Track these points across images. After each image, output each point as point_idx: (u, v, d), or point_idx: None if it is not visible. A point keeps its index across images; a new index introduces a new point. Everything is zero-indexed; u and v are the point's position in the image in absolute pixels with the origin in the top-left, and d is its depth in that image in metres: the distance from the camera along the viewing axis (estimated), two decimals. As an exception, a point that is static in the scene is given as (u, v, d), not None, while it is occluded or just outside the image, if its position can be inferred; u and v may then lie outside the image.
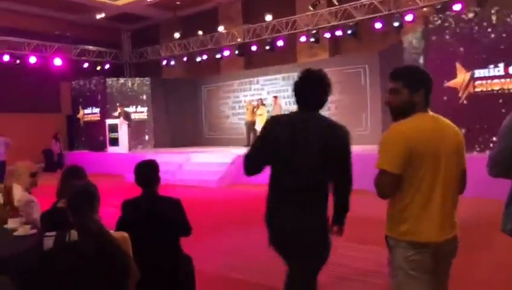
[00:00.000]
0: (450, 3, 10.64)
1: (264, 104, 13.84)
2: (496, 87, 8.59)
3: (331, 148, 2.30)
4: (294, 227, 2.33)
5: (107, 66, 17.81)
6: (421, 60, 9.52)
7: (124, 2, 15.96)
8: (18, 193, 3.49)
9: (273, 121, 2.46)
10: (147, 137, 16.19)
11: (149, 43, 18.32)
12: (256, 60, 16.19)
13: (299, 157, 2.31)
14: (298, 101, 2.44)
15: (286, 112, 2.68)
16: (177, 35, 16.53)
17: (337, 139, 2.33)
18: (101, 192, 2.23)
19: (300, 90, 2.41)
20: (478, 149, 8.64)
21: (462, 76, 8.94)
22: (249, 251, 5.28)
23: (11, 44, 15.04)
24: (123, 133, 14.23)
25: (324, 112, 2.48)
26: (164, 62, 17.51)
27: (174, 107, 16.62)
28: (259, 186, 11.57)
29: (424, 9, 11.64)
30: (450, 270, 2.15)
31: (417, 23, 11.40)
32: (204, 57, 16.04)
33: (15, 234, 3.03)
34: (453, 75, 8.99)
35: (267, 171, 2.49)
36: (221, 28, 15.65)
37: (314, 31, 13.35)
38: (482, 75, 8.71)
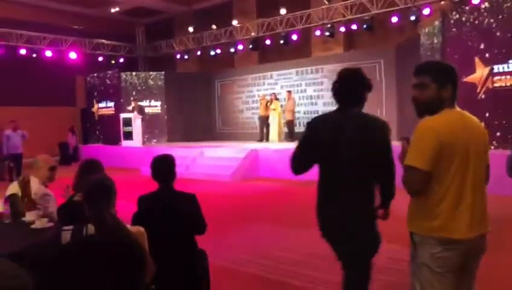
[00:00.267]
0: (468, -4, 10.42)
1: (277, 99, 13.79)
2: (516, 83, 8.39)
3: (372, 142, 2.39)
4: (343, 219, 2.45)
5: (121, 60, 17.92)
6: (438, 55, 9.36)
7: (138, -5, 16.01)
8: (35, 185, 3.51)
9: (315, 121, 2.56)
10: (160, 131, 16.26)
11: (163, 37, 18.35)
12: (270, 55, 16.12)
13: (341, 154, 2.41)
14: (337, 100, 2.54)
15: (327, 111, 2.74)
16: (191, 29, 16.53)
17: (377, 133, 2.42)
18: (116, 186, 2.23)
19: (339, 89, 2.52)
20: (496, 145, 8.47)
21: (480, 71, 8.76)
22: (260, 245, 5.28)
23: (28, 38, 15.21)
24: (137, 127, 14.32)
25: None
26: (178, 56, 17.54)
27: (187, 101, 16.65)
28: (272, 181, 11.62)
29: (442, 2, 11.43)
30: (477, 270, 2.10)
31: (434, 17, 11.19)
32: (218, 51, 16.02)
33: (32, 227, 3.06)
34: (471, 70, 8.82)
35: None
36: (235, 22, 15.59)
37: (329, 25, 13.21)
38: (501, 70, 8.53)
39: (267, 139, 13.84)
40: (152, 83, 16.29)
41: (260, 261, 4.68)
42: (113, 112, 15.95)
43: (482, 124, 2.09)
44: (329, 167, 2.48)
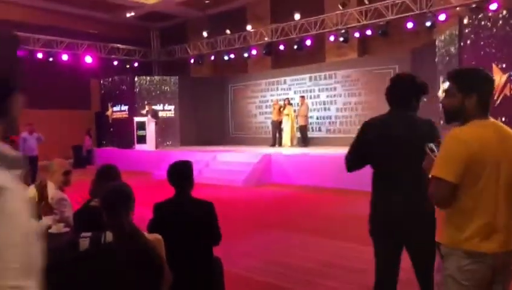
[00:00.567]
0: (485, 2, 10.30)
1: (290, 104, 13.77)
2: (534, 90, 8.26)
3: (421, 137, 2.41)
4: (398, 215, 2.52)
5: (135, 64, 18.07)
6: (455, 61, 9.25)
7: (154, 1, 16.15)
8: (51, 190, 3.53)
9: (367, 123, 2.69)
10: (173, 135, 16.34)
11: (177, 42, 18.48)
12: (283, 60, 16.12)
13: (393, 153, 2.53)
14: (389, 103, 2.67)
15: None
16: (205, 34, 16.61)
17: (424, 128, 2.53)
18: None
19: (391, 93, 2.64)
20: None
21: (498, 78, 8.63)
22: (273, 253, 5.25)
23: (45, 42, 15.44)
24: (150, 131, 14.41)
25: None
26: (192, 61, 17.64)
27: (201, 106, 16.72)
28: (285, 187, 11.58)
29: (457, 8, 11.31)
30: (508, 286, 2.04)
31: (450, 23, 11.08)
32: (232, 56, 16.06)
33: (50, 231, 3.07)
34: (488, 77, 8.69)
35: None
36: (249, 27, 15.63)
37: (343, 31, 13.16)
38: (519, 78, 8.39)
39: (280, 144, 13.82)
40: (166, 87, 16.40)
41: (273, 269, 4.65)
42: (127, 116, 16.09)
43: None
44: (381, 164, 2.60)
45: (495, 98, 8.67)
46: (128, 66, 17.77)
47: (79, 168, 14.42)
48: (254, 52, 15.42)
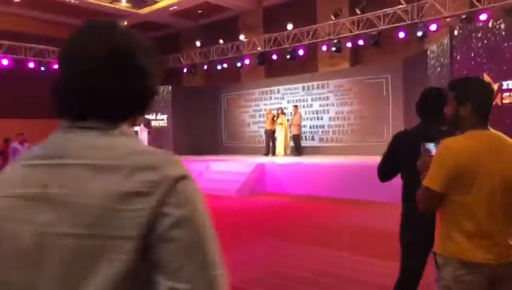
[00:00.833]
0: (476, 13, 10.44)
1: (284, 113, 13.81)
2: (525, 100, 8.35)
3: None
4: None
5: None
6: (447, 71, 9.34)
7: (147, 10, 16.18)
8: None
9: (398, 134, 2.85)
10: (166, 144, 16.25)
11: (170, 52, 18.49)
12: (276, 69, 16.17)
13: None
14: (421, 116, 2.79)
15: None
16: (198, 43, 16.65)
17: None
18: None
19: (420, 106, 2.77)
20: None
21: (489, 87, 8.72)
22: (268, 263, 5.20)
23: (36, 51, 15.37)
24: (143, 140, 14.26)
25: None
26: (185, 70, 17.64)
27: (194, 115, 16.68)
28: (279, 196, 11.57)
29: (448, 19, 11.45)
30: None
31: (441, 33, 11.21)
32: (225, 65, 16.08)
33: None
34: (479, 86, 8.77)
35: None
36: (241, 37, 15.69)
37: (335, 40, 13.26)
38: (510, 87, 8.48)
39: (274, 153, 13.81)
40: (159, 96, 16.35)
41: (268, 279, 4.60)
42: (120, 125, 16.01)
43: None
44: (411, 175, 2.62)
45: (486, 107, 8.76)
46: (121, 76, 17.70)
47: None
48: (247, 61, 15.47)
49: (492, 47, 8.70)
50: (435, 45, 10.31)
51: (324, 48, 13.77)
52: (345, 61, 14.54)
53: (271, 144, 14.08)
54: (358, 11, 12.71)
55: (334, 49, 13.31)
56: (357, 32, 12.89)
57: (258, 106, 16.15)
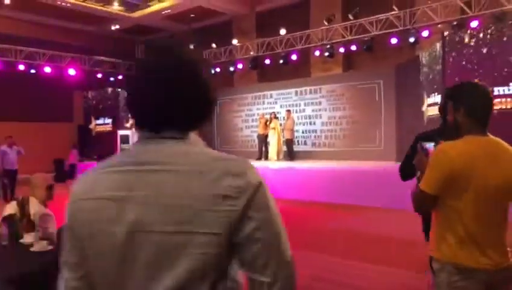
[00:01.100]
0: (467, 20, 10.53)
1: (276, 118, 13.81)
2: (516, 106, 8.42)
3: None
4: None
5: (120, 77, 17.90)
6: (439, 77, 9.41)
7: (140, 14, 16.11)
8: (34, 205, 3.41)
9: (419, 135, 2.92)
10: (158, 148, 16.17)
11: (162, 55, 18.39)
12: (269, 74, 16.18)
13: None
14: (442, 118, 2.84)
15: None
16: (191, 47, 16.54)
17: None
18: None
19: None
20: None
21: (480, 93, 8.78)
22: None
23: (27, 53, 15.20)
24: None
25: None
26: (177, 74, 17.54)
27: (186, 119, 16.59)
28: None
29: (439, 26, 11.54)
30: None
31: (433, 39, 11.30)
32: (218, 69, 16.04)
33: (31, 249, 2.95)
34: (471, 92, 8.84)
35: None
36: (234, 41, 15.68)
37: (328, 46, 13.30)
38: (501, 93, 8.56)
39: (266, 158, 13.78)
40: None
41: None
42: (111, 129, 15.88)
43: None
44: None
45: (478, 113, 8.82)
46: (112, 79, 17.60)
47: (60, 182, 14.10)
48: (240, 66, 15.44)
49: (483, 53, 8.78)
50: (427, 51, 10.38)
51: (317, 53, 13.80)
52: (338, 66, 14.59)
53: (264, 148, 14.06)
54: (351, 17, 12.76)
55: (326, 54, 13.34)
56: (349, 37, 12.95)
57: (250, 110, 16.14)
